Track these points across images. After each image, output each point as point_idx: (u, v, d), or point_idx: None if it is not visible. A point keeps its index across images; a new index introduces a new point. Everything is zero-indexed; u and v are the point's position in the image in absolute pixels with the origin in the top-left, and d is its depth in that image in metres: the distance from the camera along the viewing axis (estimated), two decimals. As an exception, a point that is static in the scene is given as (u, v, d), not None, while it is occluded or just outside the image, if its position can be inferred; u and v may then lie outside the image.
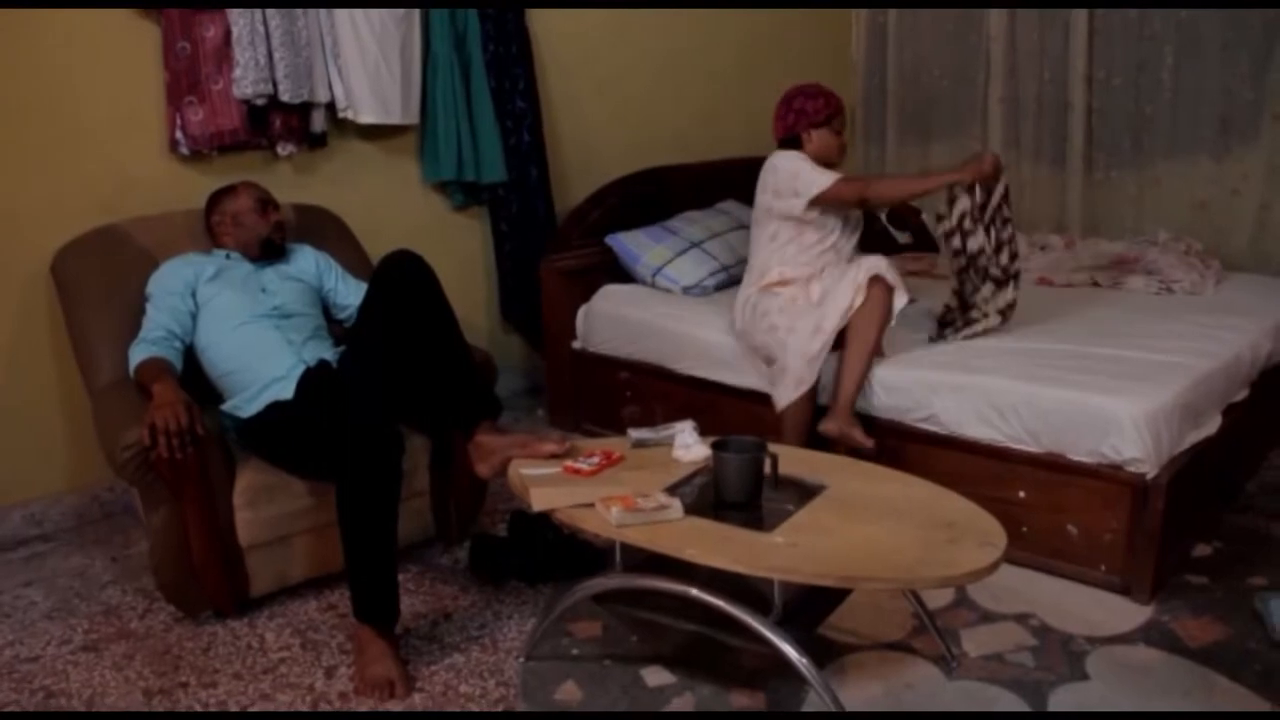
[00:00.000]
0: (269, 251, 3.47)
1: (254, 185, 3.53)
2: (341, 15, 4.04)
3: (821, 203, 3.75)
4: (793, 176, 3.78)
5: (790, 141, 3.92)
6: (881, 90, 6.45)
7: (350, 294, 3.54)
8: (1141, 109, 5.42)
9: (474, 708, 2.67)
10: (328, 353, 3.29)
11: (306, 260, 3.57)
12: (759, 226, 3.95)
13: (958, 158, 6.06)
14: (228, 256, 3.43)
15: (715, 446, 2.66)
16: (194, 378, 3.21)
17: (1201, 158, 5.30)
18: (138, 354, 3.12)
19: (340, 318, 3.57)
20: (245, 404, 3.14)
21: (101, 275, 3.38)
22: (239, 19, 3.75)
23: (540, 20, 4.85)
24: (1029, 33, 5.72)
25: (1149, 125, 5.42)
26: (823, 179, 3.72)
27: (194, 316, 3.26)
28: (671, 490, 2.65)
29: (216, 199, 3.50)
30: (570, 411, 4.65)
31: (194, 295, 3.28)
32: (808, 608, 2.60)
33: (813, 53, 6.29)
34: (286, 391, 3.13)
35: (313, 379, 3.14)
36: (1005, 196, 3.68)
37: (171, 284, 3.28)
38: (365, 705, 2.69)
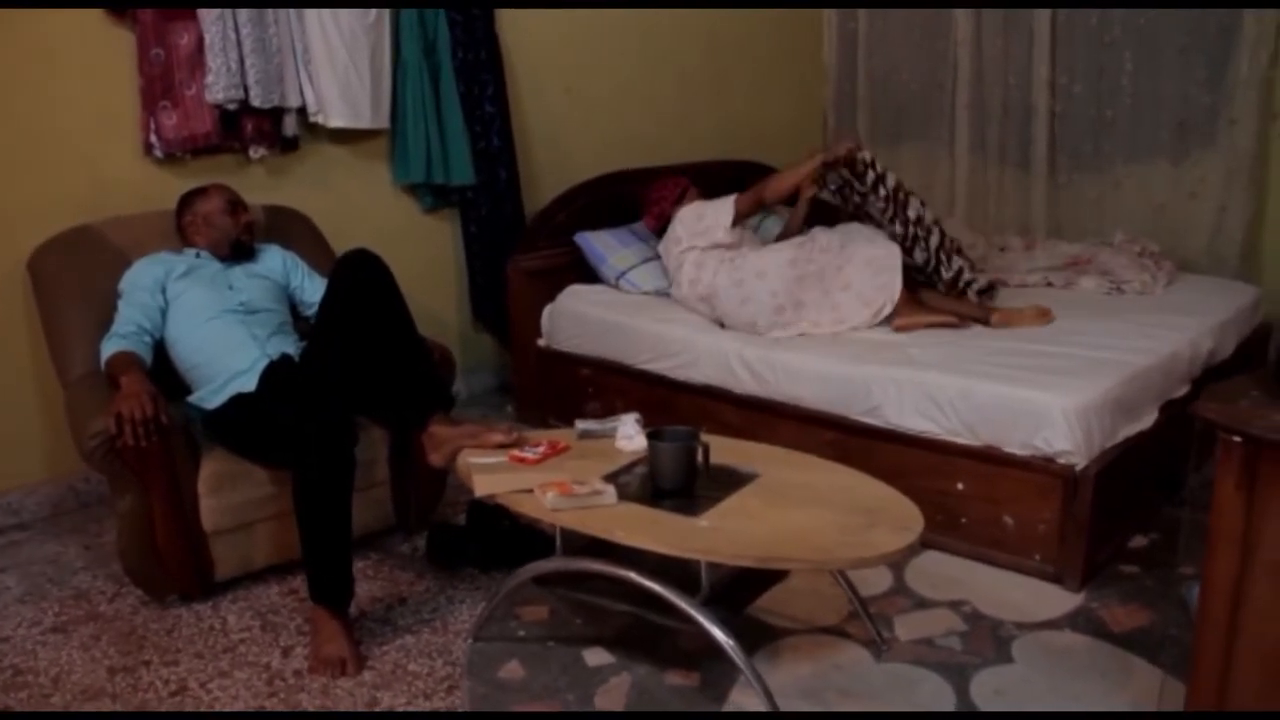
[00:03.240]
0: (239, 251, 3.59)
1: (224, 187, 3.64)
2: (312, 22, 4.17)
3: (739, 219, 4.30)
4: (698, 217, 4.35)
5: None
6: (852, 95, 6.58)
7: (315, 292, 3.63)
8: (1102, 114, 5.53)
9: (421, 685, 2.79)
10: (291, 347, 3.41)
11: (274, 259, 3.69)
12: (676, 273, 4.41)
13: (926, 161, 6.22)
14: (198, 255, 3.54)
15: (651, 436, 2.78)
16: (164, 371, 3.34)
17: (1160, 161, 5.40)
18: (109, 348, 3.23)
19: (306, 314, 3.68)
20: (210, 396, 3.27)
21: (76, 273, 3.50)
22: (211, 26, 3.87)
23: (510, 26, 4.97)
24: (994, 40, 5.84)
25: (1110, 130, 5.53)
26: (726, 203, 4.32)
27: (164, 312, 3.38)
28: (610, 478, 2.77)
29: (188, 200, 3.61)
30: (536, 407, 4.77)
31: (164, 291, 3.39)
32: (736, 590, 2.72)
33: (784, 58, 6.41)
34: (249, 384, 3.25)
35: (274, 372, 3.26)
36: (880, 180, 4.11)
37: (143, 280, 3.40)
38: (318, 682, 2.81)
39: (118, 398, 2.97)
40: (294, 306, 3.70)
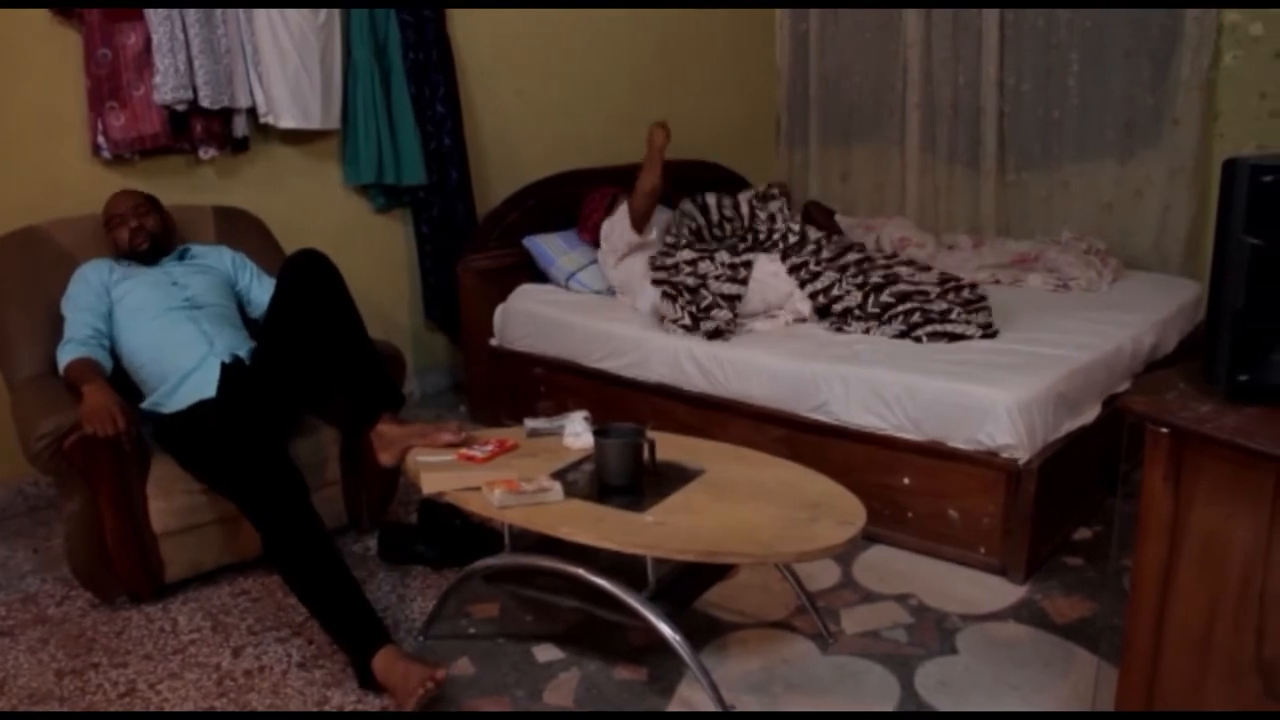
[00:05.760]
0: (142, 259, 3.51)
1: (115, 198, 3.58)
2: (261, 23, 4.17)
3: (639, 220, 4.45)
4: (611, 230, 4.56)
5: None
6: (804, 96, 6.64)
7: (265, 293, 3.62)
8: (1050, 114, 5.61)
9: (374, 684, 2.80)
10: (242, 346, 3.40)
11: (221, 258, 3.67)
12: (621, 275, 4.54)
13: (877, 160, 6.30)
14: (131, 261, 3.53)
15: (598, 433, 2.80)
16: (116, 373, 3.32)
17: (1107, 161, 5.48)
18: (66, 354, 3.21)
19: (254, 316, 3.67)
20: (164, 399, 3.25)
21: (22, 274, 3.48)
22: (159, 27, 3.86)
23: (461, 27, 4.98)
24: (943, 41, 5.90)
25: (1057, 129, 5.61)
26: (622, 211, 4.51)
27: (112, 314, 3.37)
28: (558, 475, 2.79)
29: (103, 221, 3.60)
30: (489, 406, 4.78)
31: (109, 293, 3.39)
32: (682, 585, 2.75)
33: (736, 58, 6.45)
34: (208, 389, 3.24)
35: (231, 378, 3.26)
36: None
37: (90, 283, 3.39)
38: (268, 681, 2.82)
39: (84, 412, 2.95)
40: (242, 307, 3.68)
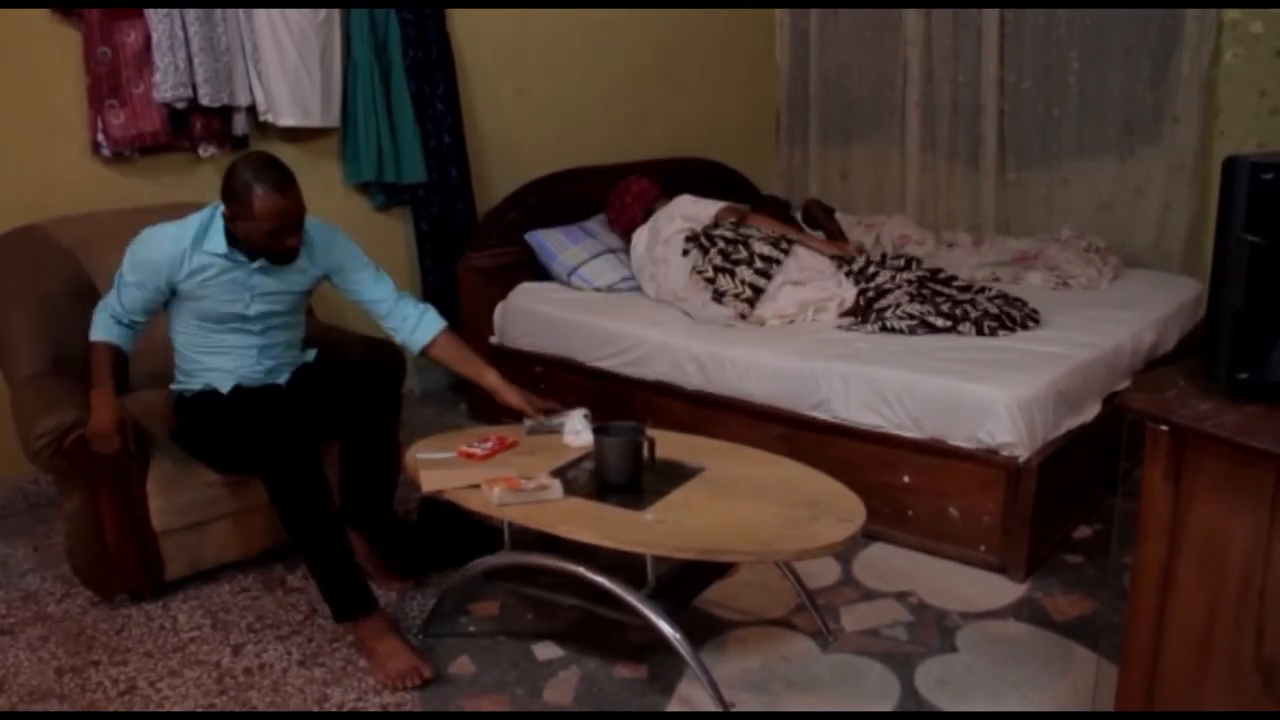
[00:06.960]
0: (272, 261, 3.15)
1: (278, 210, 2.93)
2: (261, 21, 4.17)
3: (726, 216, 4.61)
4: (694, 204, 4.66)
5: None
6: (804, 93, 6.62)
7: (370, 288, 3.32)
8: (1050, 112, 5.61)
9: (371, 681, 2.80)
10: (285, 373, 3.34)
11: (321, 254, 3.26)
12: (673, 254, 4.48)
13: (877, 158, 6.30)
14: (229, 253, 3.05)
15: (597, 431, 2.81)
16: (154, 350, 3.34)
17: (1107, 159, 5.48)
18: (101, 325, 3.10)
19: (362, 307, 3.40)
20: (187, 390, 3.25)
21: (22, 273, 3.47)
22: (159, 25, 3.86)
23: (461, 25, 4.97)
24: (943, 38, 5.89)
25: (1057, 127, 5.60)
26: (713, 205, 4.68)
27: (168, 301, 3.16)
28: (557, 473, 2.80)
29: (235, 190, 2.93)
30: (489, 405, 4.75)
31: (175, 286, 3.09)
32: (682, 583, 2.75)
33: (736, 56, 6.44)
34: (225, 385, 3.23)
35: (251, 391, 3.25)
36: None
37: (156, 267, 3.04)
38: (268, 679, 2.83)
39: (90, 427, 2.94)
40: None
